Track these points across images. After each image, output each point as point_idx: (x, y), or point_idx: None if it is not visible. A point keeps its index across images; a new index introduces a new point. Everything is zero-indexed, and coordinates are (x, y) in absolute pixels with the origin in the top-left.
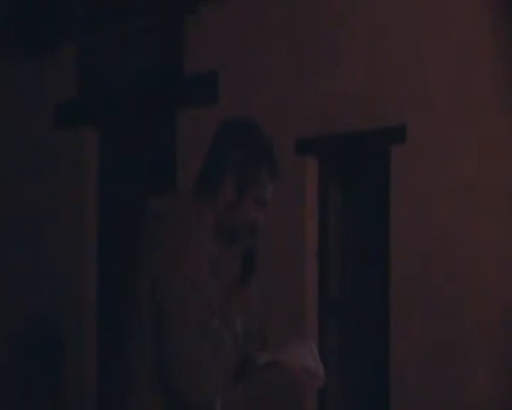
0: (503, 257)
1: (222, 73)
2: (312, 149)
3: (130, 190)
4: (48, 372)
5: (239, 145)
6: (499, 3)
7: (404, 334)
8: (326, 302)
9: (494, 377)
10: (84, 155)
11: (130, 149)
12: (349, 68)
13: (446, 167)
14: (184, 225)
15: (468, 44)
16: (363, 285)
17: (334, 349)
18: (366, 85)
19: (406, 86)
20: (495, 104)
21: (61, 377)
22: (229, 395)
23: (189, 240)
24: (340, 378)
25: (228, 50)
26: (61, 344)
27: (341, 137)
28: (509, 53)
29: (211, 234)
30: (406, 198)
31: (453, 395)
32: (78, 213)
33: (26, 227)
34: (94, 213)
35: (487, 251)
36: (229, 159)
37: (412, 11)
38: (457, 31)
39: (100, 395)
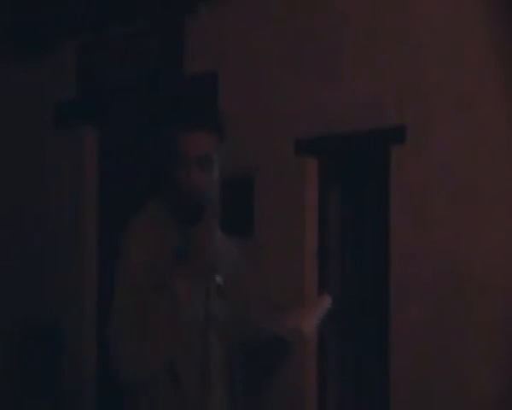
0: (503, 257)
1: (222, 73)
2: (312, 149)
3: (130, 189)
4: (48, 372)
5: (165, 129)
6: (499, 3)
7: (404, 334)
8: None
9: (494, 377)
10: (84, 155)
11: (130, 149)
12: (349, 68)
13: (446, 167)
14: (132, 225)
15: (467, 44)
16: (363, 285)
17: (334, 349)
18: (366, 85)
19: (406, 86)
20: (495, 104)
21: (61, 377)
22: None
23: (131, 239)
24: (340, 378)
25: (228, 50)
26: (61, 344)
27: (341, 137)
28: (510, 53)
29: (172, 223)
30: (406, 198)
31: (453, 394)
32: (78, 213)
33: (25, 227)
34: (94, 213)
35: (487, 251)
36: (163, 146)
37: (412, 11)
38: (457, 31)
39: (100, 394)
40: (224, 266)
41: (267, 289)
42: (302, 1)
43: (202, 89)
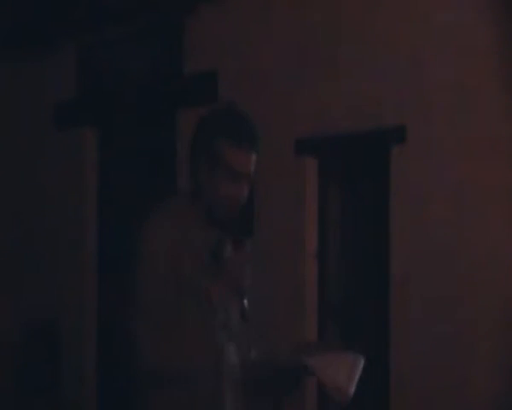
0: (504, 257)
1: (222, 73)
2: (312, 149)
3: (130, 189)
4: (48, 372)
5: (204, 129)
6: (499, 4)
7: (404, 334)
8: (326, 303)
9: (494, 377)
10: (84, 155)
11: (130, 149)
12: (349, 68)
13: (446, 167)
14: (154, 222)
15: (467, 45)
16: (363, 286)
17: (334, 349)
18: (366, 86)
19: (406, 86)
20: (495, 104)
21: (60, 377)
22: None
23: (152, 236)
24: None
25: (228, 50)
26: (61, 344)
27: (341, 137)
28: (509, 53)
29: (198, 225)
30: (406, 198)
31: (453, 394)
32: (78, 212)
33: (25, 227)
34: (94, 212)
35: (487, 251)
36: (198, 146)
37: (412, 12)
38: (457, 31)
39: (100, 394)
40: (250, 289)
41: (267, 289)
42: (302, 1)
43: (202, 89)
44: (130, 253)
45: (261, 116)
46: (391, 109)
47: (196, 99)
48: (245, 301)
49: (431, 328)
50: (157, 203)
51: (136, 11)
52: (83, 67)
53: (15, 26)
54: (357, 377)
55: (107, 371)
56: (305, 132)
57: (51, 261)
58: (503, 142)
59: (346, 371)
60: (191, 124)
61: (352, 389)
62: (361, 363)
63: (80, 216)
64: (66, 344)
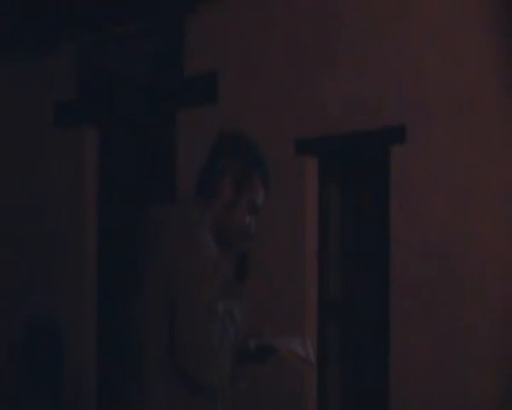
0: (503, 257)
1: (222, 73)
2: (312, 149)
3: (130, 189)
4: (48, 372)
5: (235, 153)
6: (499, 4)
7: (404, 334)
8: (326, 302)
9: (494, 377)
10: (84, 155)
11: (130, 149)
12: (349, 69)
13: (446, 167)
14: (189, 224)
15: (467, 45)
16: (363, 285)
17: (334, 349)
18: (366, 86)
19: (406, 86)
20: (495, 104)
21: (61, 377)
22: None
23: (197, 240)
24: (340, 378)
25: (228, 50)
26: (61, 344)
27: (341, 137)
28: (509, 53)
29: (211, 236)
30: (406, 198)
31: (453, 394)
32: (78, 212)
33: (26, 226)
34: (94, 212)
35: (487, 251)
36: (226, 163)
37: (412, 12)
38: (457, 31)
39: (100, 394)
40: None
41: (267, 288)
42: (302, 1)
43: (202, 89)
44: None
45: (261, 116)
46: (391, 109)
47: (196, 99)
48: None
49: (431, 328)
50: (174, 206)
51: (136, 11)
52: (83, 67)
53: (15, 26)
54: (310, 349)
55: (107, 371)
56: (306, 132)
57: (51, 261)
58: (503, 142)
59: (300, 345)
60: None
61: (312, 357)
62: (308, 340)
63: (80, 216)
64: (66, 344)
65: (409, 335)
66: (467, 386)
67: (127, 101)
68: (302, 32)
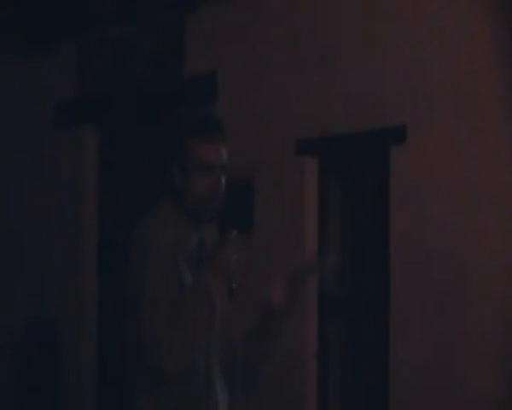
0: (503, 257)
1: (222, 73)
2: (312, 149)
3: (130, 189)
4: (47, 372)
5: (174, 134)
6: (499, 4)
7: (404, 334)
8: (326, 302)
9: (494, 377)
10: (84, 155)
11: (130, 149)
12: (349, 68)
13: (446, 167)
14: (143, 226)
15: (467, 45)
16: (363, 285)
17: (335, 349)
18: (366, 85)
19: (406, 86)
20: (495, 104)
21: (60, 377)
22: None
23: (148, 240)
24: (340, 378)
25: (228, 50)
26: (61, 345)
27: (341, 137)
28: (509, 53)
29: (183, 226)
30: (406, 198)
31: (453, 394)
32: (78, 213)
33: (26, 227)
34: (94, 213)
35: (487, 251)
36: (170, 150)
37: (412, 11)
38: (457, 31)
39: (100, 394)
40: (238, 273)
41: (267, 288)
42: (302, 1)
43: (202, 89)
44: (125, 258)
45: (261, 116)
46: (391, 109)
47: (196, 99)
48: (233, 285)
49: (431, 328)
50: (145, 213)
51: (136, 11)
52: (83, 67)
53: (15, 26)
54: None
55: (107, 371)
56: (306, 132)
57: (51, 261)
58: (503, 142)
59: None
60: None
61: (276, 294)
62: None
63: (80, 216)
64: (66, 344)
65: (409, 335)
66: (467, 386)
67: (127, 101)
68: (302, 31)
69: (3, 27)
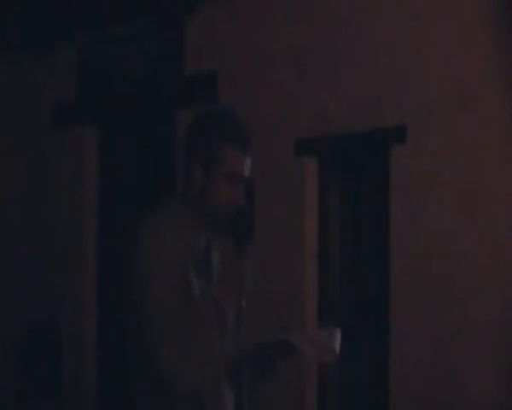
0: (503, 257)
1: (222, 73)
2: (312, 149)
3: (130, 190)
4: (48, 372)
5: (200, 131)
6: (499, 4)
7: (404, 334)
8: (326, 302)
9: (494, 377)
10: (84, 155)
11: (131, 149)
12: (349, 69)
13: (446, 167)
14: (152, 226)
15: (467, 45)
16: (363, 286)
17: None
18: (366, 85)
19: (406, 86)
20: (495, 104)
21: (60, 376)
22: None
23: (156, 239)
24: (340, 378)
25: (228, 50)
26: (61, 344)
27: (341, 137)
28: (509, 53)
29: (194, 229)
30: (406, 198)
31: (453, 394)
32: (78, 213)
33: (25, 227)
34: (94, 213)
35: (487, 251)
36: (193, 148)
37: (412, 12)
38: (457, 31)
39: (100, 394)
40: (249, 290)
41: (267, 288)
42: (302, 1)
43: (202, 89)
44: (130, 261)
45: (261, 116)
46: (391, 109)
47: (196, 99)
48: (243, 301)
49: (431, 328)
50: (152, 210)
51: (136, 11)
52: (83, 67)
53: (16, 26)
54: (335, 343)
55: (108, 371)
56: (306, 132)
57: (51, 261)
58: (503, 142)
59: (323, 335)
60: None
61: (336, 347)
62: (338, 333)
63: (80, 216)
64: (66, 344)
65: (409, 335)
66: (467, 386)
67: (127, 101)
68: (302, 31)
69: (3, 27)
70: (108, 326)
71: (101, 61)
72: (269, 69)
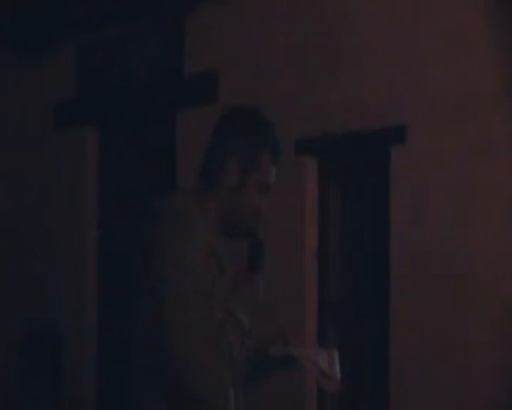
0: (503, 257)
1: (222, 73)
2: (312, 149)
3: (130, 189)
4: (48, 373)
5: (239, 131)
6: (499, 4)
7: (404, 334)
8: (325, 302)
9: (494, 377)
10: (84, 155)
11: (131, 149)
12: (349, 68)
13: (446, 167)
14: (178, 216)
15: (467, 45)
16: (363, 286)
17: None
18: (366, 85)
19: (406, 86)
20: (495, 104)
21: (61, 377)
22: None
23: (186, 237)
24: (340, 378)
25: (228, 50)
26: (61, 345)
27: (341, 137)
28: (509, 53)
29: (215, 227)
30: (406, 198)
31: (453, 395)
32: (78, 213)
33: (25, 227)
34: (94, 213)
35: (487, 251)
36: (230, 145)
37: (412, 12)
38: (457, 31)
39: (100, 394)
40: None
41: (267, 288)
42: (302, 1)
43: (202, 89)
44: (146, 258)
45: None
46: (391, 109)
47: (196, 99)
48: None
49: (431, 327)
50: (168, 204)
51: (136, 11)
52: (83, 67)
53: (15, 25)
54: (337, 366)
55: (108, 372)
56: (306, 132)
57: (51, 262)
58: (503, 142)
59: (326, 360)
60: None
61: (338, 376)
62: (337, 355)
63: (80, 216)
64: (66, 345)
65: (409, 334)
66: (467, 386)
67: (127, 101)
68: (302, 31)
69: (3, 28)
70: (108, 326)
71: (101, 61)
72: (269, 69)
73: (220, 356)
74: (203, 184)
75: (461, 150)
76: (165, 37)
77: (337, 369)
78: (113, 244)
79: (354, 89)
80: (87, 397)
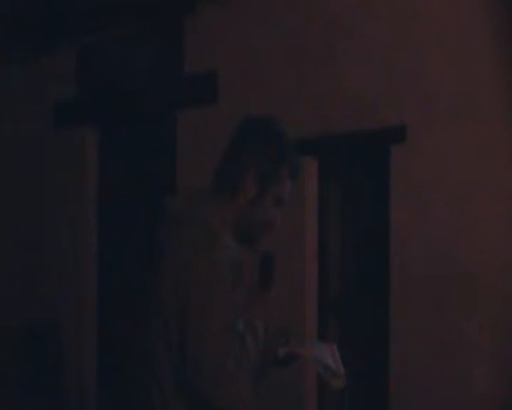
0: (504, 257)
1: (222, 73)
2: (312, 149)
3: (130, 189)
4: (48, 373)
5: (260, 142)
6: (499, 4)
7: (404, 334)
8: (326, 302)
9: (494, 377)
10: (84, 155)
11: (131, 149)
12: (349, 68)
13: (446, 167)
14: (206, 224)
15: (467, 45)
16: (363, 285)
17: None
18: (366, 85)
19: (406, 86)
20: (495, 104)
21: (61, 377)
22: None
23: (212, 240)
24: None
25: (228, 50)
26: (61, 345)
27: (341, 137)
28: (509, 53)
29: (231, 233)
30: (406, 198)
31: (453, 394)
32: (78, 213)
33: (25, 227)
34: (94, 213)
35: (487, 250)
36: (250, 155)
37: (412, 11)
38: (457, 31)
39: (100, 395)
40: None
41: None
42: (302, 1)
43: (202, 89)
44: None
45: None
46: (391, 109)
47: (196, 99)
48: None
49: (430, 327)
50: (193, 213)
51: (136, 11)
52: (83, 67)
53: (15, 26)
54: (340, 361)
55: (108, 372)
56: (306, 132)
57: (51, 262)
58: (503, 142)
59: (329, 356)
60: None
61: (342, 370)
62: (336, 349)
63: (80, 216)
64: (66, 344)
65: (409, 334)
66: (467, 386)
67: (127, 101)
68: (302, 31)
69: (4, 28)
70: (108, 327)
71: (101, 61)
72: (269, 69)
73: (241, 366)
74: (220, 192)
75: (461, 150)
76: (165, 37)
77: (340, 363)
78: (113, 244)
79: (354, 89)
80: (87, 397)
